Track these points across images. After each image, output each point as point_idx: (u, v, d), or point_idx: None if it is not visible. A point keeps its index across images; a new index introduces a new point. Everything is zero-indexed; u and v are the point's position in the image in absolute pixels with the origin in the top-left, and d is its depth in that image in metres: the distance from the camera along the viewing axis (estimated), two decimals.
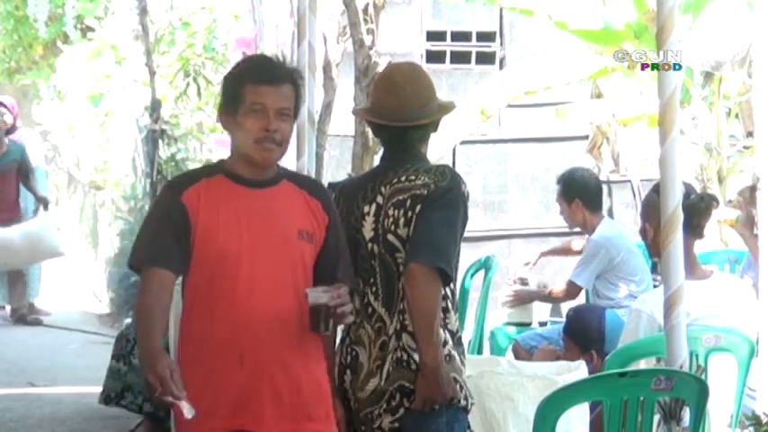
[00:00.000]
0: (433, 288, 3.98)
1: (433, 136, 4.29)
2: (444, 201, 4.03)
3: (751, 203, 6.37)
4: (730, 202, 8.16)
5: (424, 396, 3.99)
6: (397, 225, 4.05)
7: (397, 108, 4.12)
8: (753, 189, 6.47)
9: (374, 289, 4.10)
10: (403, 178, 4.05)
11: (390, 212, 4.06)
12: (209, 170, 3.98)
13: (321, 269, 3.89)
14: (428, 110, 4.16)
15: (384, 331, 4.07)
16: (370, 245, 4.10)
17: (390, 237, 4.06)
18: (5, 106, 11.19)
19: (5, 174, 10.94)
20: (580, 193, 7.22)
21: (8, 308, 11.72)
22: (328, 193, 4.00)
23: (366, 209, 4.12)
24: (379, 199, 4.10)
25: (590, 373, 4.86)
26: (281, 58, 4.02)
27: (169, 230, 3.82)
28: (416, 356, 4.02)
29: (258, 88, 3.83)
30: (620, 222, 9.62)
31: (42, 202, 11.14)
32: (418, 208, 4.01)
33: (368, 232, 4.11)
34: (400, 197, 4.06)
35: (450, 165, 11.32)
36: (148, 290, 3.80)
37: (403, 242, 4.06)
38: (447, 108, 4.27)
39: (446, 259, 4.00)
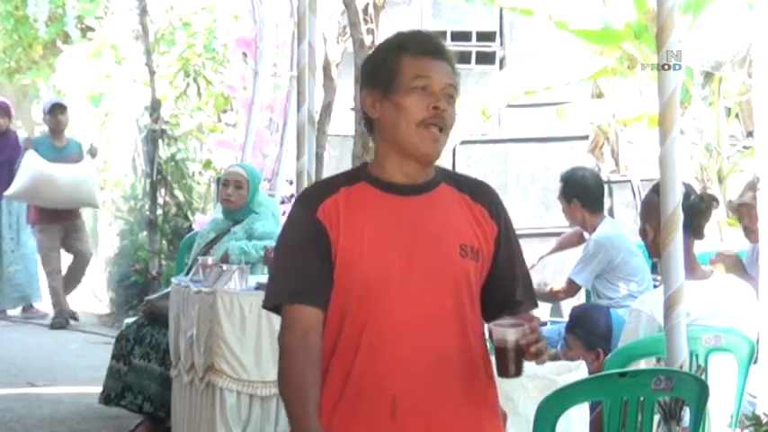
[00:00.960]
0: None
1: None
2: None
3: (746, 216, 6.33)
4: (730, 202, 8.16)
5: None
6: None
7: None
8: (740, 206, 6.44)
9: None
10: None
11: None
12: (349, 177, 3.20)
13: (492, 292, 3.18)
14: None
15: None
16: None
17: None
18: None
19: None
20: (578, 194, 7.22)
21: (8, 311, 11.80)
22: (496, 194, 3.27)
23: None
24: None
25: (592, 371, 4.85)
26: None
27: (309, 255, 3.08)
28: None
29: (420, 61, 3.10)
30: (621, 222, 9.61)
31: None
32: None
33: None
34: None
35: (450, 165, 11.33)
36: (293, 336, 3.06)
37: None
38: None
39: None
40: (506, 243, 3.20)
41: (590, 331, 5.66)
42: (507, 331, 3.02)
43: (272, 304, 3.14)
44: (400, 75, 3.09)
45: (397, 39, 3.18)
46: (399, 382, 3.04)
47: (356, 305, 3.06)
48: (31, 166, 11.06)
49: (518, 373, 3.04)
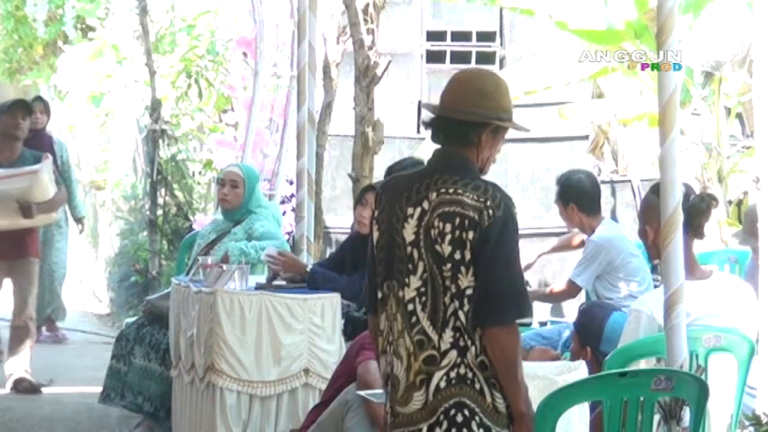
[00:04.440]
0: (513, 340, 3.87)
1: None
2: (505, 237, 3.93)
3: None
4: (730, 202, 8.17)
5: None
6: (443, 239, 3.89)
7: (443, 101, 4.04)
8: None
9: (423, 299, 3.92)
10: (451, 190, 3.91)
11: (437, 223, 3.90)
12: None
13: None
14: (469, 112, 3.99)
15: (430, 345, 3.90)
16: (409, 248, 3.95)
17: (438, 248, 3.90)
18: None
19: None
20: (575, 198, 7.19)
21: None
22: None
23: (410, 211, 3.95)
24: (425, 204, 3.94)
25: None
26: None
27: None
28: (489, 379, 3.89)
29: None
30: (621, 222, 9.61)
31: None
32: (471, 235, 3.86)
33: (409, 235, 3.95)
34: (447, 209, 3.90)
35: None
36: None
37: (449, 260, 3.89)
38: (492, 119, 4.02)
39: (526, 304, 3.89)
40: None
41: (585, 328, 5.65)
42: None
43: None
44: None
45: None
46: None
47: None
48: None
49: None
